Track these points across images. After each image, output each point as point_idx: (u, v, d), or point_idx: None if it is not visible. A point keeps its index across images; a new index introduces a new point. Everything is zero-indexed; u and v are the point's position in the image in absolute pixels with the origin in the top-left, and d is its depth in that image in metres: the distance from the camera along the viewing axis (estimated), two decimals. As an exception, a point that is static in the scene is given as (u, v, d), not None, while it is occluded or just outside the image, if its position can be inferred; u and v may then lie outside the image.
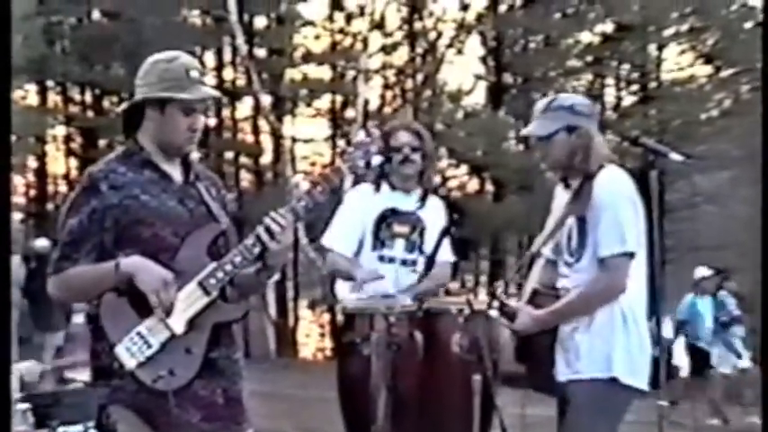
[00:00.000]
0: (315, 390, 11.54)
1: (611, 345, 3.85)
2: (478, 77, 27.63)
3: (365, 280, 4.81)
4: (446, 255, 4.94)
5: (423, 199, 5.10)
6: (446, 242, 4.90)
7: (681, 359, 21.29)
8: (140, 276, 3.15)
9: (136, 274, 3.15)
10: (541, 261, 4.13)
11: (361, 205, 5.04)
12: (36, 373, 6.66)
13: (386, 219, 5.02)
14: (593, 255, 3.85)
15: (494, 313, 4.06)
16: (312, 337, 29.68)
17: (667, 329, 29.88)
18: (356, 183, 5.12)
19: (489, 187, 26.94)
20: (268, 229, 3.27)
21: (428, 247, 4.98)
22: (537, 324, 3.95)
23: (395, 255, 5.01)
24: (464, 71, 32.47)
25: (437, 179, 28.00)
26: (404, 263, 5.00)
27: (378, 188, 5.06)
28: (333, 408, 4.80)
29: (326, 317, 28.08)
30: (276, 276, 3.44)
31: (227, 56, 27.84)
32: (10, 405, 2.98)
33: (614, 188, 3.87)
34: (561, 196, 4.11)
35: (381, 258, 5.00)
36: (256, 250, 3.28)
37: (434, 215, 5.09)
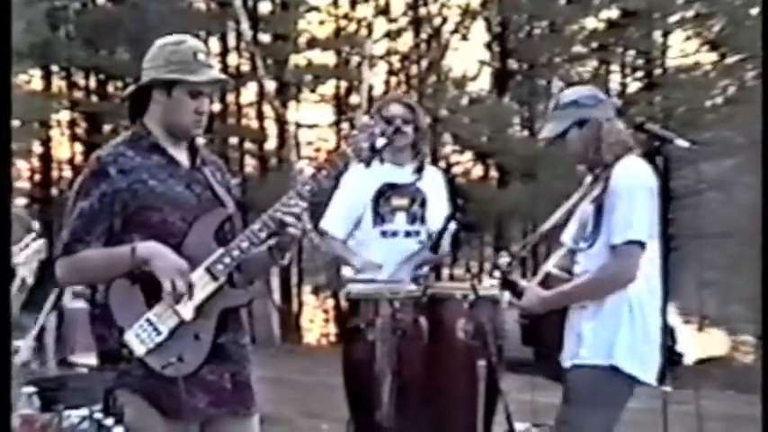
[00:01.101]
0: (319, 375, 11.60)
1: (615, 333, 3.86)
2: (483, 63, 27.58)
3: (363, 269, 4.82)
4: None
5: (419, 170, 5.12)
6: (444, 209, 4.95)
7: (686, 345, 21.36)
8: (156, 262, 3.16)
9: (152, 259, 3.16)
10: (562, 250, 4.13)
11: (356, 185, 5.05)
12: (25, 351, 6.65)
13: (384, 193, 5.05)
14: (606, 242, 3.87)
15: (494, 282, 4.06)
16: (316, 323, 29.71)
17: (673, 316, 29.86)
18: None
19: (494, 173, 26.92)
20: (273, 219, 3.28)
21: (430, 216, 5.04)
22: (543, 304, 3.97)
23: (397, 228, 5.04)
24: (469, 57, 32.53)
25: (442, 164, 28.04)
26: (407, 234, 5.03)
27: (369, 164, 5.07)
28: (337, 393, 4.82)
29: (330, 302, 28.12)
30: (289, 256, 3.45)
31: (232, 41, 27.81)
32: (10, 405, 2.99)
33: (630, 177, 3.89)
34: (586, 182, 4.15)
35: (384, 233, 5.03)
36: (263, 235, 3.29)
37: (434, 185, 5.15)
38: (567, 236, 4.14)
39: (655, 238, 3.90)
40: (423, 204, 5.07)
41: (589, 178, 4.13)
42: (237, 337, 3.40)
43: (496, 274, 4.18)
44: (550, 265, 4.10)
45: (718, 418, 10.49)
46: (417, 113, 5.12)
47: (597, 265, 3.88)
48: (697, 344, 28.77)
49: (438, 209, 5.04)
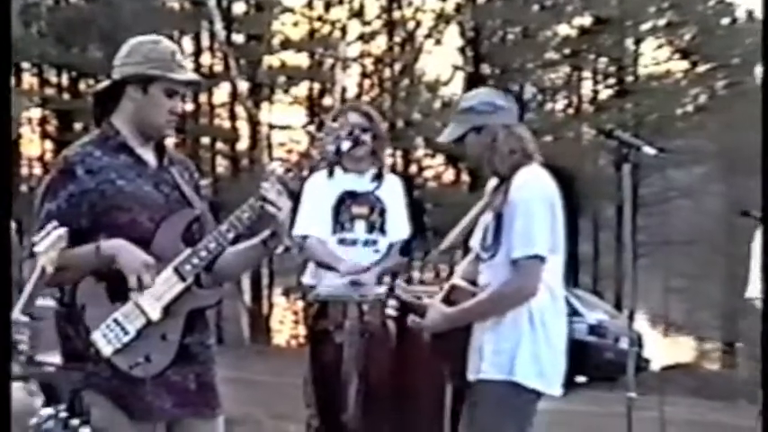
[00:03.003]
0: (288, 376, 11.54)
1: (516, 347, 3.76)
2: (456, 68, 27.69)
3: (349, 273, 4.80)
4: (403, 231, 5.00)
5: (378, 178, 5.14)
6: (403, 218, 4.95)
7: (652, 352, 21.49)
8: (122, 258, 3.14)
9: (117, 255, 3.14)
10: (471, 256, 4.09)
11: (319, 191, 5.05)
12: None
13: (344, 201, 5.05)
14: (506, 253, 3.78)
15: (390, 311, 4.02)
16: (286, 324, 29.69)
17: (641, 323, 30.01)
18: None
19: (465, 177, 27.00)
20: (240, 220, 3.28)
21: (389, 225, 5.04)
22: (447, 321, 3.87)
23: (356, 237, 5.04)
24: (442, 61, 32.65)
25: (414, 168, 28.07)
26: (366, 243, 5.04)
27: (331, 173, 5.09)
28: (302, 392, 4.81)
29: (300, 304, 28.07)
30: (282, 246, 3.44)
31: (205, 41, 27.77)
32: (10, 405, 2.97)
33: (528, 190, 3.79)
34: (490, 187, 4.08)
35: (342, 241, 5.03)
36: (231, 236, 3.28)
37: (393, 194, 5.16)
38: (475, 241, 4.09)
39: (556, 251, 3.82)
40: (382, 213, 5.08)
41: (494, 182, 4.05)
42: (203, 337, 3.39)
43: (392, 302, 4.12)
44: (457, 276, 4.05)
45: (684, 425, 10.56)
46: (375, 121, 5.13)
47: (498, 277, 3.79)
48: (664, 350, 29.00)
49: (397, 218, 5.08)
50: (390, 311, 4.09)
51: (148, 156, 3.40)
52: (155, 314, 3.19)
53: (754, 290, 4.68)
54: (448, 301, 3.92)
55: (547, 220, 3.78)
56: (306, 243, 5.05)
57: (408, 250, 4.78)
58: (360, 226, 5.06)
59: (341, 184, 5.08)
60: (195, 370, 3.34)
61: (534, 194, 3.79)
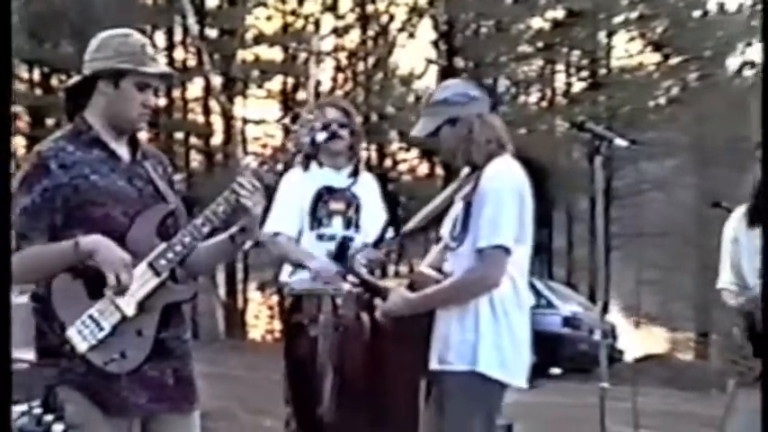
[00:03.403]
0: (263, 371, 11.58)
1: (478, 338, 3.77)
2: (430, 61, 27.72)
3: (320, 273, 4.79)
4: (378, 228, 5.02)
5: (354, 175, 5.15)
6: (378, 215, 4.96)
7: (626, 343, 21.60)
8: (100, 255, 3.13)
9: (96, 252, 3.13)
10: (441, 244, 4.10)
11: (296, 188, 5.05)
12: None
13: (322, 197, 5.05)
14: (473, 242, 3.78)
15: (348, 285, 4.01)
16: (261, 319, 29.67)
17: (614, 314, 30.15)
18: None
19: (439, 171, 27.03)
20: (215, 213, 3.28)
21: (364, 223, 5.05)
22: (408, 306, 3.87)
23: (334, 232, 5.03)
24: (416, 55, 32.66)
25: (388, 162, 28.09)
26: (342, 239, 5.03)
27: (306, 168, 5.09)
28: (280, 389, 4.82)
29: (276, 299, 28.06)
30: (251, 242, 3.44)
31: (178, 35, 27.64)
32: (10, 404, 2.97)
33: (499, 180, 3.80)
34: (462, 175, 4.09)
35: (320, 237, 5.02)
36: (205, 230, 3.28)
37: (368, 191, 5.17)
38: (444, 230, 4.10)
39: (522, 243, 3.83)
40: (357, 210, 5.09)
41: (466, 170, 4.04)
42: (179, 332, 3.39)
43: (352, 278, 4.11)
44: (426, 263, 4.06)
45: (657, 415, 10.64)
46: (352, 117, 5.14)
47: (463, 265, 3.80)
48: (637, 341, 29.15)
49: (372, 214, 5.07)
50: (347, 285, 4.08)
51: (122, 150, 3.39)
52: (129, 310, 3.18)
53: (724, 280, 4.72)
54: (411, 287, 3.93)
55: (515, 210, 3.79)
56: (276, 240, 5.04)
57: (380, 244, 4.79)
58: (337, 222, 5.05)
59: (318, 179, 5.08)
60: (172, 365, 3.34)
61: (504, 185, 3.80)
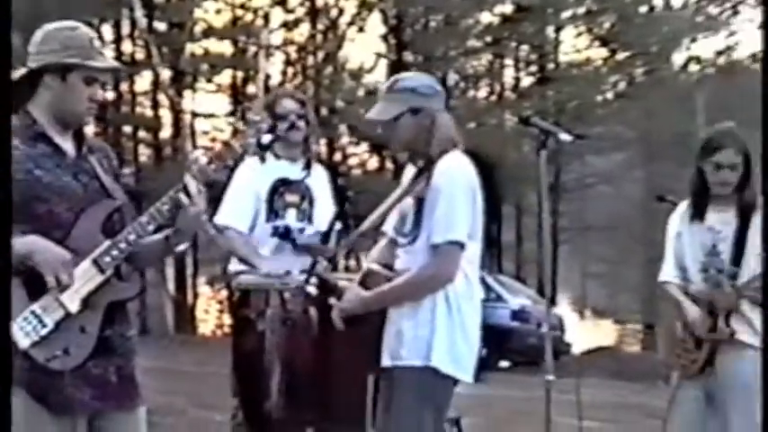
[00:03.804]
0: (213, 366, 11.52)
1: (433, 333, 3.79)
2: (379, 55, 27.71)
3: (269, 274, 4.78)
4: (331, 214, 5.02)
5: (307, 167, 5.15)
6: (330, 208, 4.96)
7: (574, 336, 21.78)
8: (37, 257, 3.09)
9: (33, 253, 3.09)
10: (384, 240, 4.11)
11: (251, 179, 5.03)
12: None
13: (278, 189, 5.04)
14: (427, 238, 3.80)
15: (312, 289, 4.02)
16: (211, 314, 29.52)
17: (562, 307, 30.35)
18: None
19: (389, 165, 27.04)
20: (160, 211, 3.26)
21: (317, 216, 5.06)
22: (363, 305, 3.88)
23: (287, 224, 5.02)
24: (365, 49, 32.55)
25: (338, 156, 28.05)
26: (297, 231, 5.03)
27: (263, 159, 5.08)
28: (230, 383, 4.81)
29: (225, 293, 27.94)
30: (186, 244, 3.42)
31: (126, 29, 27.39)
32: (9, 404, 2.93)
33: (453, 176, 3.82)
34: (408, 174, 4.09)
35: (276, 228, 5.01)
36: (150, 228, 3.26)
37: (320, 183, 5.18)
38: (389, 226, 4.11)
39: (475, 239, 3.85)
40: (311, 203, 5.09)
41: (411, 168, 4.06)
42: (123, 330, 3.36)
43: (312, 280, 4.12)
44: (372, 260, 4.06)
45: (604, 407, 10.75)
46: (308, 108, 5.15)
47: (418, 262, 3.81)
48: (585, 334, 29.40)
49: (324, 207, 5.08)
50: (311, 290, 4.07)
51: (67, 145, 3.35)
52: (73, 306, 3.15)
53: (667, 273, 4.77)
54: (363, 285, 3.93)
55: (468, 206, 3.81)
56: (226, 234, 5.03)
57: (328, 238, 4.80)
58: (291, 214, 5.05)
59: (274, 170, 5.08)
60: (116, 362, 3.30)
61: (457, 181, 3.81)
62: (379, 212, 4.07)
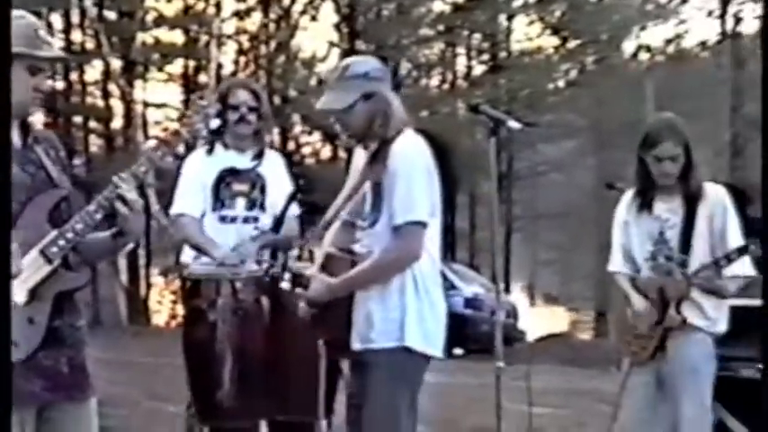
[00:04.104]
0: (166, 357, 11.47)
1: (404, 313, 3.81)
2: (332, 44, 27.65)
3: (224, 262, 4.75)
4: (291, 209, 4.98)
5: (259, 155, 5.10)
6: (284, 195, 4.93)
7: (527, 323, 21.93)
8: None
9: None
10: (337, 223, 4.11)
11: (198, 169, 5.00)
12: None
13: (224, 179, 5.00)
14: (387, 221, 3.82)
15: (285, 285, 4.01)
16: (164, 304, 29.34)
17: (516, 295, 30.51)
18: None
19: (342, 154, 27.00)
20: (114, 194, 3.23)
21: (270, 202, 5.01)
22: (330, 292, 3.89)
23: (236, 214, 5.00)
24: (318, 38, 32.51)
25: (291, 145, 27.99)
26: (245, 220, 4.99)
27: (211, 149, 5.04)
28: (183, 374, 4.78)
29: (179, 284, 27.79)
30: (132, 244, 3.39)
31: (75, 17, 27.10)
32: (10, 404, 2.89)
33: (410, 156, 3.84)
34: (360, 159, 4.09)
35: (223, 219, 4.98)
36: (98, 216, 3.23)
37: (274, 170, 5.11)
38: (348, 210, 4.10)
39: (435, 215, 3.88)
40: (263, 190, 5.04)
41: (360, 150, 4.05)
42: (73, 320, 3.33)
43: (287, 276, 4.10)
44: (328, 244, 4.06)
45: (557, 393, 10.84)
46: (262, 100, 5.09)
47: (380, 244, 3.83)
48: (538, 321, 29.60)
49: (278, 193, 5.02)
50: (285, 285, 4.05)
51: (13, 135, 3.31)
52: (20, 297, 3.12)
53: (615, 263, 4.80)
54: (325, 270, 3.93)
55: (426, 185, 3.84)
56: (180, 222, 5.00)
57: (282, 222, 4.79)
58: (240, 203, 5.01)
59: (221, 161, 5.04)
60: (66, 353, 3.28)
61: (413, 161, 3.83)
62: (342, 199, 4.07)
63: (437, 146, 3.99)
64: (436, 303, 3.91)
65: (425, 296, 3.86)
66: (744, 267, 4.47)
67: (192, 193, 5.00)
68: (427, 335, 3.85)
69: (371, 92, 3.88)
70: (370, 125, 3.89)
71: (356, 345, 3.90)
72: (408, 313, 3.82)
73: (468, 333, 16.77)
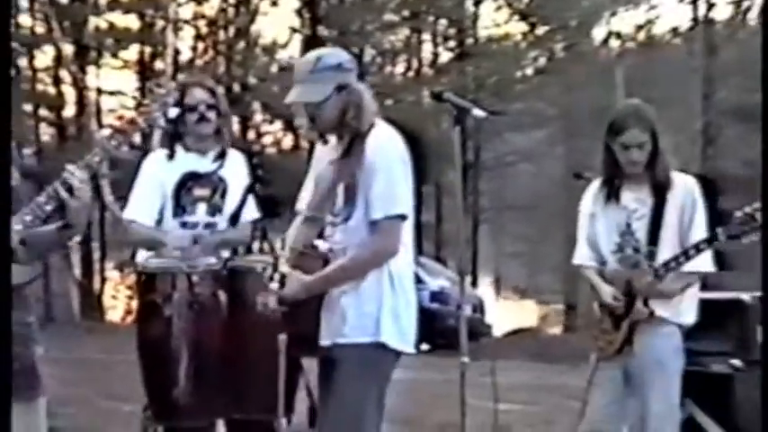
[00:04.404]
0: (121, 354, 11.41)
1: (380, 308, 3.84)
2: (294, 30, 27.58)
3: (175, 246, 4.73)
4: (250, 213, 4.94)
5: (221, 157, 5.05)
6: (251, 199, 4.90)
7: (494, 317, 22.02)
8: None
9: None
10: (299, 219, 4.12)
11: (157, 173, 4.95)
12: None
13: (186, 183, 4.95)
14: (363, 216, 3.84)
15: (275, 285, 4.01)
16: (119, 300, 29.18)
17: (483, 287, 30.59)
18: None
19: (305, 144, 26.95)
20: (63, 185, 3.21)
21: (231, 207, 4.96)
22: (307, 290, 3.88)
23: (197, 220, 4.94)
24: (279, 23, 32.45)
25: (252, 134, 27.90)
26: (207, 226, 4.95)
27: (172, 152, 4.99)
28: (138, 372, 4.76)
29: (134, 278, 27.61)
30: (79, 237, 3.38)
31: (25, 1, 26.83)
32: (9, 404, 2.87)
33: (387, 148, 3.86)
34: (322, 153, 4.10)
35: (184, 225, 4.94)
36: (48, 208, 3.21)
37: (236, 172, 5.05)
38: (302, 203, 4.13)
39: (412, 209, 3.90)
40: (224, 195, 5.00)
41: (320, 145, 4.06)
42: (22, 316, 3.32)
43: (276, 276, 4.09)
44: (293, 241, 4.06)
45: (525, 388, 10.90)
46: (219, 97, 5.03)
47: (355, 239, 3.85)
48: (506, 315, 29.72)
49: (239, 195, 4.95)
50: (275, 286, 4.02)
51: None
52: (-33, 292, 3.11)
53: (580, 256, 4.83)
54: (296, 269, 3.93)
55: (405, 178, 3.86)
56: (131, 228, 4.96)
57: (237, 218, 4.78)
58: (201, 208, 4.96)
59: (182, 164, 4.98)
60: (15, 350, 3.26)
61: (392, 154, 3.85)
62: (319, 197, 4.04)
63: (406, 136, 4.01)
64: (410, 299, 3.94)
65: (401, 291, 3.89)
66: (705, 263, 4.50)
67: (149, 199, 4.94)
68: (401, 331, 3.88)
69: (345, 83, 3.89)
70: (342, 118, 3.90)
71: (326, 340, 3.91)
72: (384, 308, 3.84)
73: (434, 328, 16.80)
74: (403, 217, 3.83)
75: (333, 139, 4.01)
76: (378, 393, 3.91)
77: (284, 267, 3.98)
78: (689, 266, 4.44)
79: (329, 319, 3.90)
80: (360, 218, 3.86)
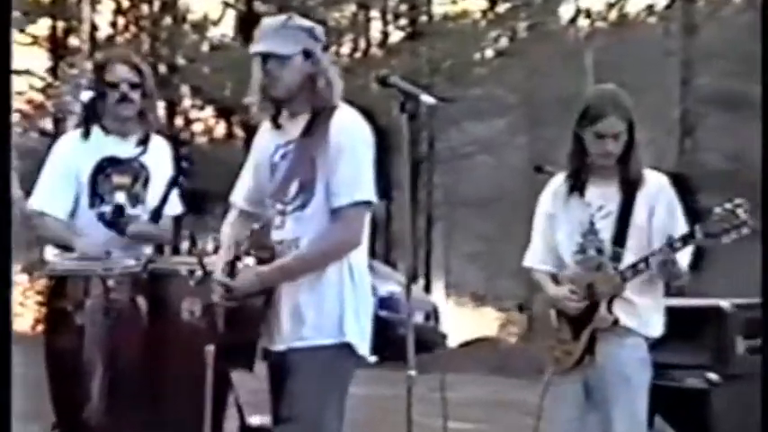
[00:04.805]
0: (31, 368, 11.31)
1: (342, 305, 3.88)
2: (227, 5, 27.45)
3: (87, 254, 4.69)
4: (172, 208, 4.92)
5: (144, 142, 5.02)
6: (174, 193, 4.89)
7: (449, 326, 22.08)
8: None
9: None
10: (234, 212, 4.13)
11: (71, 157, 4.92)
12: None
13: (104, 170, 4.92)
14: (323, 202, 3.87)
15: (221, 277, 4.00)
16: (28, 307, 28.91)
17: (437, 293, 30.73)
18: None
19: (239, 132, 26.86)
20: None
21: (151, 198, 4.94)
22: (261, 281, 3.91)
23: (121, 204, 4.92)
24: (210, -3, 32.24)
25: (180, 121, 27.74)
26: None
27: (87, 134, 4.95)
28: (46, 387, 4.73)
29: (45, 282, 27.37)
30: None
31: None
32: (9, 400, 2.85)
33: (355, 130, 3.93)
34: (264, 141, 4.10)
35: (101, 216, 4.91)
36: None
37: (160, 160, 5.02)
38: (238, 196, 4.14)
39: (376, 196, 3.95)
40: (145, 183, 4.98)
41: (266, 125, 4.10)
42: None
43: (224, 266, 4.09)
44: (229, 238, 4.06)
45: (480, 404, 10.94)
46: (145, 76, 5.00)
47: (312, 228, 3.88)
48: (463, 323, 29.82)
49: (161, 187, 4.93)
50: (223, 277, 4.00)
51: None
52: None
53: (532, 258, 4.84)
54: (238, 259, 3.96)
55: (371, 163, 3.93)
56: (41, 221, 4.92)
57: (160, 214, 4.76)
58: (120, 198, 4.93)
59: (100, 148, 4.95)
60: None
61: (358, 137, 3.94)
62: (278, 183, 4.03)
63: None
64: (369, 296, 4.00)
65: (361, 287, 3.94)
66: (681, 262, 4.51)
67: (60, 188, 4.90)
68: (363, 332, 3.95)
69: (312, 51, 3.96)
70: (302, 87, 3.95)
71: (278, 345, 3.91)
72: (347, 306, 3.89)
73: (384, 337, 16.77)
74: (369, 204, 3.88)
75: (285, 121, 4.02)
76: (339, 402, 3.94)
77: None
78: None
79: (281, 321, 3.92)
80: (319, 205, 3.89)
